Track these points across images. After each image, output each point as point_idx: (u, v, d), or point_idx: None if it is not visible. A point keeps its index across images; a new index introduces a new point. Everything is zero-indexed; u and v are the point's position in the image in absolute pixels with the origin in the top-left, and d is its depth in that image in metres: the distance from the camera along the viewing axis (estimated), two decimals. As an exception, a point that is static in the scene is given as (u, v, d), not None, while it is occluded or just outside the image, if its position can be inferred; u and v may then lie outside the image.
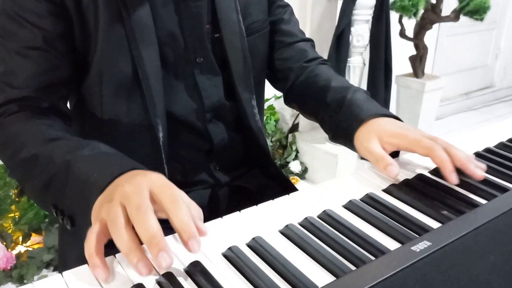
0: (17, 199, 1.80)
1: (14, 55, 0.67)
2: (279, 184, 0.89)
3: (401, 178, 0.66)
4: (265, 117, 2.29)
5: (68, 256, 0.79)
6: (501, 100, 3.73)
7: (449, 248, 0.49)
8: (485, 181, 0.64)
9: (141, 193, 0.48)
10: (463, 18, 2.39)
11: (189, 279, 0.46)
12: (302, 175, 2.36)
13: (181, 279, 0.45)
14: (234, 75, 0.80)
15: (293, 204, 0.60)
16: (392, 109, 2.67)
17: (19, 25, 0.67)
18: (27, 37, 0.67)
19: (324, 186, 0.65)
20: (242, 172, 0.88)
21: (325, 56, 2.25)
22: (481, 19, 2.35)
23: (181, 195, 0.50)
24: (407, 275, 0.45)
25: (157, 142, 0.73)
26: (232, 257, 0.49)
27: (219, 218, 0.55)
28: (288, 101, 0.94)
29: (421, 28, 2.45)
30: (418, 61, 2.53)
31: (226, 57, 0.79)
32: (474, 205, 0.58)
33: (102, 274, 0.45)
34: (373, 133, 0.70)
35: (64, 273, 0.46)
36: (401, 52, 2.69)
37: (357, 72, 2.28)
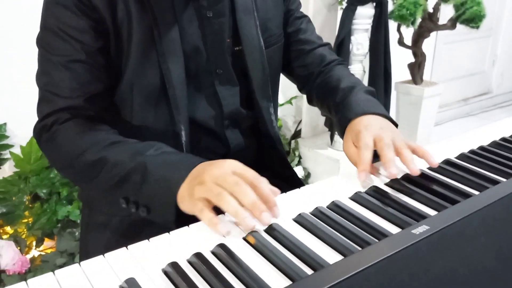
0: (30, 205, 1.86)
1: (58, 67, 0.74)
2: (291, 186, 0.95)
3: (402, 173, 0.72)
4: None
5: (91, 247, 0.85)
6: (499, 106, 3.80)
7: (445, 231, 0.55)
8: (478, 175, 0.71)
9: (231, 173, 0.61)
10: (459, 26, 2.46)
11: (216, 259, 0.52)
12: (305, 180, 2.42)
13: (210, 258, 0.51)
14: (254, 85, 0.87)
15: (303, 196, 0.66)
16: (392, 115, 2.73)
17: (62, 40, 0.73)
18: (70, 51, 0.74)
19: (330, 181, 0.71)
20: None
21: (326, 64, 2.32)
22: (477, 27, 2.42)
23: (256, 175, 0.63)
24: (408, 254, 0.51)
25: (180, 146, 0.80)
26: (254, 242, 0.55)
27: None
28: (309, 102, 1.02)
29: (419, 36, 2.53)
30: (416, 68, 2.59)
31: (246, 68, 0.86)
32: (467, 195, 0.65)
33: (223, 228, 0.57)
34: (349, 136, 0.79)
35: (82, 263, 0.52)
36: (400, 59, 2.76)
37: (357, 79, 2.35)
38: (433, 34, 2.98)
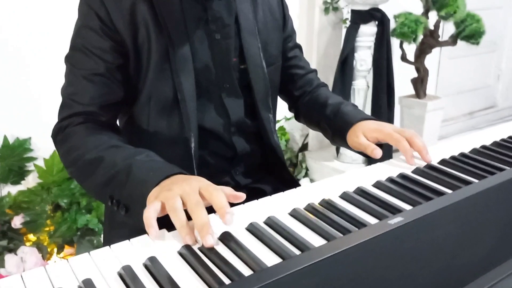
0: (52, 214, 1.97)
1: (81, 79, 0.86)
2: (290, 188, 1.06)
3: (386, 175, 0.82)
4: (276, 137, 2.46)
5: (114, 243, 0.95)
6: (505, 120, 3.86)
7: (417, 222, 0.64)
8: (454, 177, 0.81)
9: (197, 193, 0.65)
10: (462, 42, 2.56)
11: (221, 243, 0.62)
12: (312, 191, 2.50)
13: (220, 246, 0.61)
14: (257, 98, 0.99)
15: (299, 195, 0.76)
16: (397, 128, 2.82)
17: (87, 56, 0.86)
18: (92, 66, 0.86)
19: (323, 182, 0.81)
20: (259, 177, 1.05)
21: (331, 79, 2.43)
22: (477, 43, 2.52)
23: (217, 188, 0.67)
24: (383, 239, 0.61)
25: (189, 151, 0.91)
26: (253, 230, 0.65)
27: (242, 205, 0.72)
28: (297, 118, 1.18)
29: (421, 52, 2.63)
30: (419, 83, 2.69)
31: (250, 83, 0.98)
32: (441, 193, 0.74)
33: (154, 232, 0.62)
34: (359, 131, 0.94)
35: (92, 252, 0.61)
36: (404, 74, 2.86)
37: (361, 94, 2.45)
38: (437, 49, 3.08)
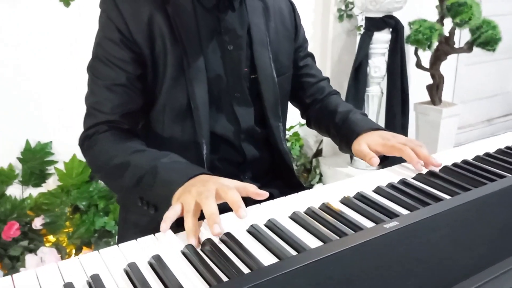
0: (71, 216, 2.04)
1: (103, 89, 0.91)
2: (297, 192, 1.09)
3: (388, 181, 0.84)
4: (290, 143, 2.49)
5: (127, 235, 0.99)
6: (524, 126, 3.81)
7: (412, 226, 0.67)
8: (453, 183, 0.82)
9: (211, 192, 0.70)
10: (478, 49, 2.55)
11: (223, 244, 0.65)
12: (326, 196, 2.52)
13: (221, 246, 0.65)
14: (267, 106, 1.03)
15: (300, 199, 0.79)
16: (412, 135, 2.82)
17: (108, 67, 0.90)
18: (114, 76, 0.90)
19: (325, 187, 0.84)
20: (267, 182, 1.08)
21: (345, 86, 2.45)
22: (493, 50, 2.51)
23: (231, 188, 0.71)
24: (377, 242, 0.63)
25: (201, 156, 0.95)
26: (254, 232, 0.68)
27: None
28: (308, 124, 1.22)
29: (436, 59, 2.62)
30: (434, 90, 2.69)
31: (260, 93, 1.02)
32: (438, 199, 0.76)
33: (165, 228, 0.67)
34: (363, 141, 0.97)
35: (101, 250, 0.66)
36: (419, 81, 2.86)
37: (375, 100, 2.46)
38: (454, 56, 3.07)
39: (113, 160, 0.86)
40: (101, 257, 0.62)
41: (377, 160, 0.91)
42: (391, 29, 2.38)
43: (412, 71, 2.86)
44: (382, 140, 0.95)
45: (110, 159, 0.87)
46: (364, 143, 0.96)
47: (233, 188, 0.72)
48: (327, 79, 1.19)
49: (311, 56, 1.17)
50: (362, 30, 2.44)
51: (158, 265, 0.60)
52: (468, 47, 2.55)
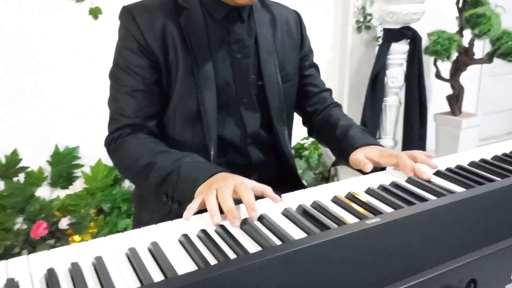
0: (95, 218, 2.14)
1: (125, 95, 0.99)
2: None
3: (380, 183, 0.89)
4: (308, 151, 2.54)
5: (143, 221, 1.08)
6: (551, 139, 3.73)
7: (393, 223, 0.71)
8: (442, 186, 0.86)
9: (229, 189, 0.78)
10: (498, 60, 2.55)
11: (216, 234, 0.72)
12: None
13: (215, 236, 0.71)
14: (272, 112, 1.09)
15: (295, 198, 0.85)
16: (431, 146, 2.82)
17: (128, 74, 0.98)
18: (133, 83, 0.98)
19: (320, 187, 0.89)
20: (272, 186, 1.14)
21: (363, 96, 2.49)
22: (514, 61, 2.50)
23: (249, 186, 0.80)
24: (357, 235, 0.68)
25: (209, 158, 1.02)
26: (246, 228, 0.74)
27: (241, 204, 0.81)
28: (309, 134, 1.27)
29: (456, 70, 2.63)
30: (454, 100, 2.69)
31: (266, 99, 1.08)
32: (423, 199, 0.81)
33: (188, 216, 0.76)
34: (361, 152, 1.02)
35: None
36: (440, 91, 2.87)
37: (393, 110, 2.49)
38: (477, 67, 3.07)
39: (139, 162, 0.94)
40: (107, 242, 0.69)
41: (370, 166, 0.96)
42: (408, 40, 2.41)
43: (433, 82, 2.87)
44: (379, 151, 1.00)
45: (136, 161, 0.94)
46: (362, 153, 1.01)
47: (250, 189, 0.79)
48: (330, 90, 1.25)
49: (315, 66, 1.23)
50: (380, 41, 2.48)
51: (155, 250, 0.67)
52: (488, 58, 2.56)
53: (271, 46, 1.08)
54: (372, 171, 0.97)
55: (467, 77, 2.83)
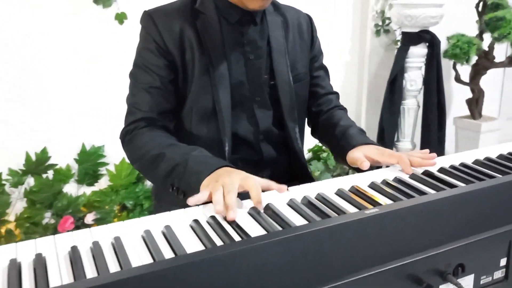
0: (119, 214, 2.23)
1: (142, 91, 1.06)
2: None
3: (386, 177, 0.94)
4: (326, 153, 2.57)
5: (161, 207, 1.12)
6: None
7: (390, 213, 0.76)
8: (443, 181, 0.90)
9: (234, 184, 0.83)
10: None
11: (224, 221, 0.77)
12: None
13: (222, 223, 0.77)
14: (284, 110, 1.15)
15: (301, 190, 0.90)
16: (451, 149, 2.82)
17: (146, 72, 1.06)
18: (150, 80, 1.05)
19: (324, 181, 0.94)
20: (283, 181, 1.19)
21: (382, 100, 2.51)
22: (535, 64, 2.49)
23: (254, 181, 0.84)
24: (354, 223, 0.73)
25: (223, 153, 1.08)
26: (254, 214, 0.80)
27: (248, 200, 0.87)
28: (312, 133, 1.32)
29: (476, 73, 2.63)
30: (474, 104, 2.68)
31: (278, 97, 1.14)
32: (423, 193, 0.85)
33: (194, 203, 0.81)
34: (359, 150, 1.06)
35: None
36: (461, 95, 2.86)
37: (411, 113, 2.51)
38: (500, 70, 3.05)
39: (150, 152, 1.00)
40: (125, 226, 0.76)
41: (367, 164, 1.00)
42: (427, 44, 2.42)
43: (453, 85, 2.87)
44: (378, 151, 1.04)
45: (147, 152, 1.00)
46: (360, 152, 1.05)
47: (257, 183, 0.84)
48: (337, 94, 1.29)
49: (324, 69, 1.28)
50: (399, 45, 2.50)
51: (168, 233, 0.73)
52: (509, 62, 2.55)
53: (283, 48, 1.14)
54: (368, 170, 1.01)
55: (489, 81, 2.82)
